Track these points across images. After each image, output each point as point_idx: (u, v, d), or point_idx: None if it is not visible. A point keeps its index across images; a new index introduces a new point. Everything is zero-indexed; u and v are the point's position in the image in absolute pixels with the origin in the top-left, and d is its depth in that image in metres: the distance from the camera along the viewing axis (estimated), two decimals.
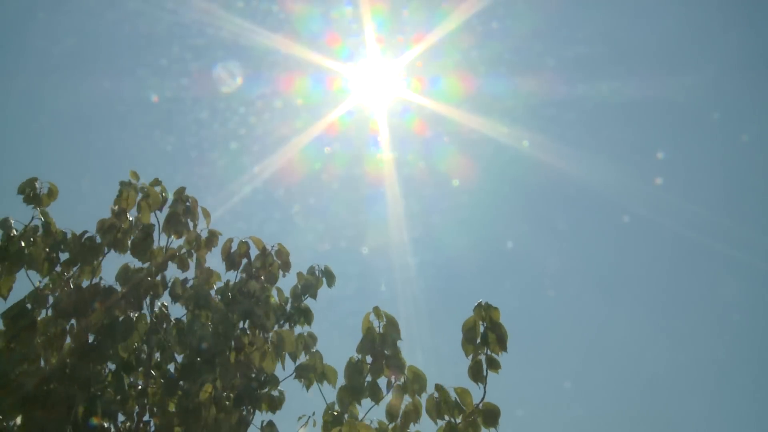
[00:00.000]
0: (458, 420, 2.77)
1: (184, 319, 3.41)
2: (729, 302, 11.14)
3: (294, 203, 10.20)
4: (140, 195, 3.43)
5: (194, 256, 3.57)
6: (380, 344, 3.00)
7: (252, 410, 3.30)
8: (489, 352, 2.73)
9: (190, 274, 3.56)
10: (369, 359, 3.05)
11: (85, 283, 3.22)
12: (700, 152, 12.39)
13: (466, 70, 9.53)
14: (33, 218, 3.16)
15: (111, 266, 3.34)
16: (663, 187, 10.48)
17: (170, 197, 3.56)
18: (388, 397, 3.01)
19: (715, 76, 10.71)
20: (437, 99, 9.50)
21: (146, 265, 3.37)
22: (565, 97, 10.42)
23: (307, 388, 3.39)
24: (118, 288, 3.21)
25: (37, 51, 10.19)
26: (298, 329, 3.62)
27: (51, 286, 3.15)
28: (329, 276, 3.73)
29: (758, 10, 10.91)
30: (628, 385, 11.24)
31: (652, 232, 12.26)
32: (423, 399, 2.92)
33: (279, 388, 3.43)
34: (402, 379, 2.97)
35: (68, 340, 3.03)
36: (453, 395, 2.80)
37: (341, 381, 3.11)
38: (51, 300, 3.05)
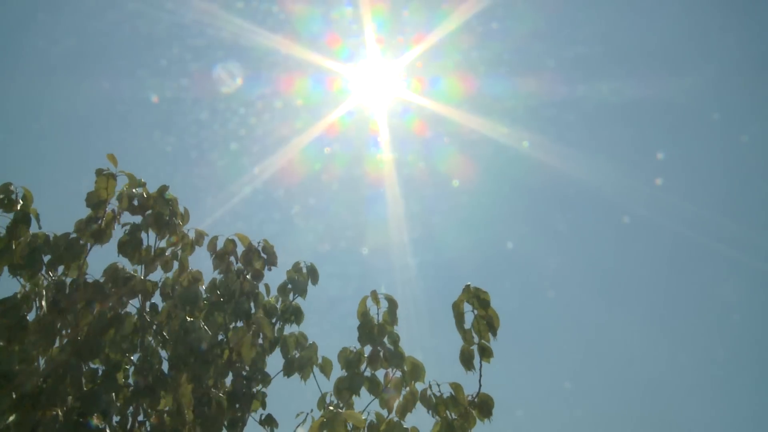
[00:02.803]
0: (454, 415, 2.75)
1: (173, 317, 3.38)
2: (729, 303, 11.13)
3: (294, 204, 10.21)
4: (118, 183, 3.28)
5: (179, 256, 3.51)
6: (379, 334, 2.95)
7: (247, 409, 3.30)
8: (480, 340, 2.69)
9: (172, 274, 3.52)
10: (367, 350, 3.01)
11: (68, 280, 3.18)
12: (700, 152, 12.39)
13: (466, 71, 9.54)
14: (17, 213, 3.10)
15: (94, 261, 3.30)
16: (663, 187, 10.47)
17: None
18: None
19: (715, 76, 10.71)
20: (437, 99, 9.50)
21: (136, 267, 3.35)
22: (565, 97, 10.42)
23: (305, 379, 3.37)
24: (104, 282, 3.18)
25: (37, 51, 10.21)
26: (288, 329, 3.61)
27: (36, 290, 3.11)
28: (313, 274, 3.67)
29: (758, 11, 10.90)
30: (628, 386, 11.23)
31: (652, 232, 12.25)
32: (420, 388, 2.90)
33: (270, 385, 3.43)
34: (400, 372, 2.94)
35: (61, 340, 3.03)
36: (447, 390, 2.78)
37: (336, 373, 3.08)
38: (38, 302, 3.01)
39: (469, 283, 2.72)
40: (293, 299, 3.63)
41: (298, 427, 3.19)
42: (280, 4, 8.97)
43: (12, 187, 3.16)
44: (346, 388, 2.95)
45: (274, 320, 3.57)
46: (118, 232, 3.33)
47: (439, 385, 2.79)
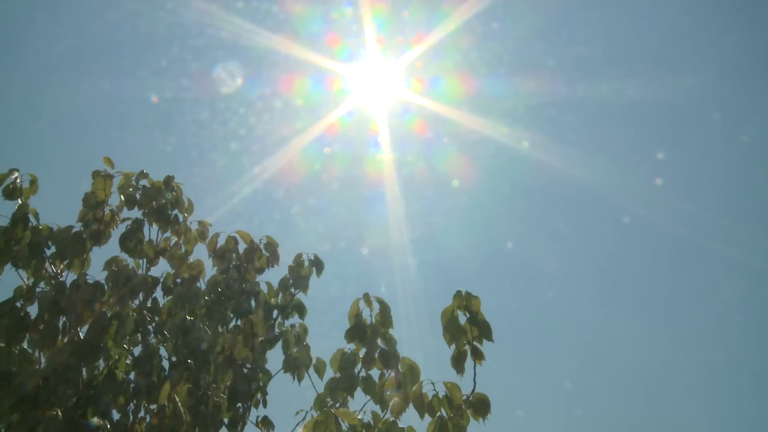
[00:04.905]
0: (449, 414, 2.75)
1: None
2: (728, 302, 11.12)
3: (294, 204, 10.20)
4: (115, 185, 3.29)
5: (183, 249, 3.49)
6: (373, 335, 2.93)
7: (248, 407, 3.30)
8: (474, 343, 2.68)
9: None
10: (362, 351, 3.01)
11: (71, 276, 3.17)
12: (700, 152, 12.38)
13: (466, 71, 9.53)
14: (16, 212, 3.07)
15: (95, 256, 3.31)
16: (663, 187, 10.46)
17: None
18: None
19: (715, 76, 10.70)
20: (437, 99, 9.50)
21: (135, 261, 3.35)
22: (566, 97, 10.41)
23: (299, 380, 3.38)
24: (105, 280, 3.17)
25: (37, 51, 10.22)
26: (289, 322, 3.61)
27: (38, 282, 3.10)
28: (318, 265, 3.65)
29: (758, 11, 10.91)
30: (628, 385, 11.23)
31: (652, 232, 12.24)
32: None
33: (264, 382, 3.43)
34: (395, 372, 2.94)
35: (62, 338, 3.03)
36: (443, 390, 2.77)
37: (330, 373, 3.08)
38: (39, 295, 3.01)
39: (460, 289, 2.71)
40: (295, 293, 3.61)
41: (297, 426, 3.20)
42: (280, 4, 8.98)
43: (16, 175, 3.12)
44: (341, 388, 2.95)
45: (275, 315, 3.56)
46: (119, 227, 3.33)
47: (433, 384, 2.78)
